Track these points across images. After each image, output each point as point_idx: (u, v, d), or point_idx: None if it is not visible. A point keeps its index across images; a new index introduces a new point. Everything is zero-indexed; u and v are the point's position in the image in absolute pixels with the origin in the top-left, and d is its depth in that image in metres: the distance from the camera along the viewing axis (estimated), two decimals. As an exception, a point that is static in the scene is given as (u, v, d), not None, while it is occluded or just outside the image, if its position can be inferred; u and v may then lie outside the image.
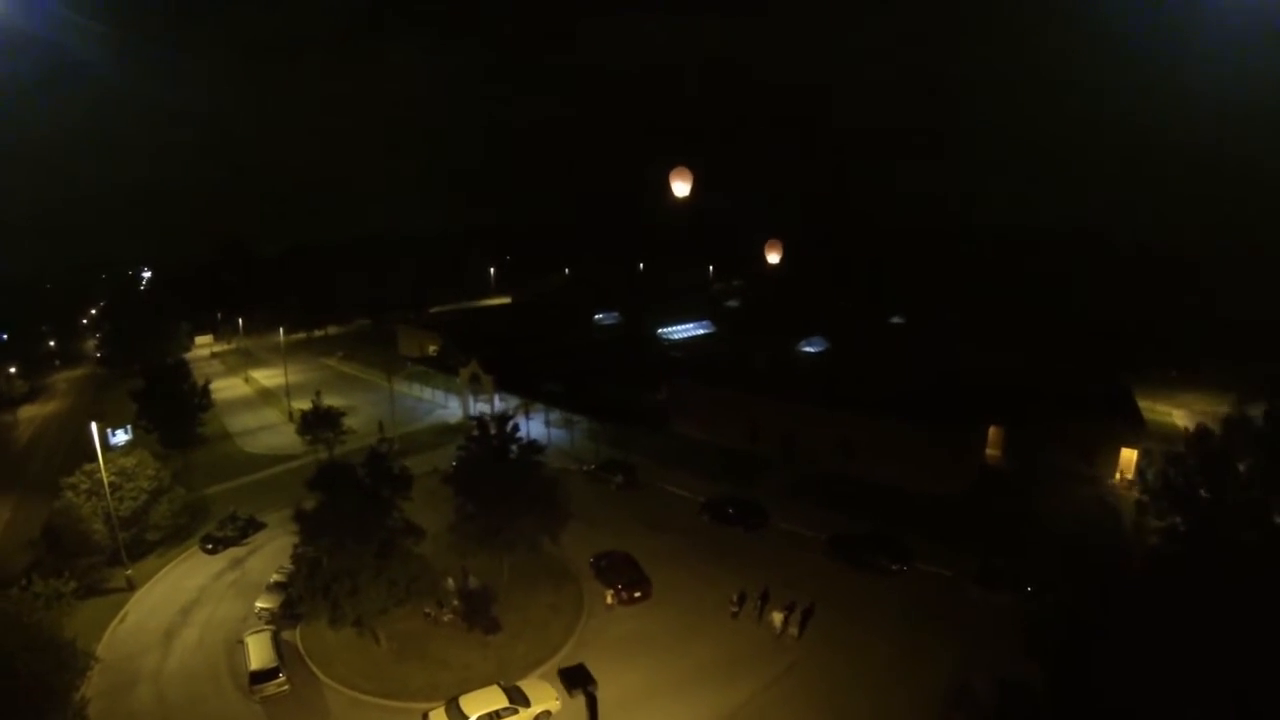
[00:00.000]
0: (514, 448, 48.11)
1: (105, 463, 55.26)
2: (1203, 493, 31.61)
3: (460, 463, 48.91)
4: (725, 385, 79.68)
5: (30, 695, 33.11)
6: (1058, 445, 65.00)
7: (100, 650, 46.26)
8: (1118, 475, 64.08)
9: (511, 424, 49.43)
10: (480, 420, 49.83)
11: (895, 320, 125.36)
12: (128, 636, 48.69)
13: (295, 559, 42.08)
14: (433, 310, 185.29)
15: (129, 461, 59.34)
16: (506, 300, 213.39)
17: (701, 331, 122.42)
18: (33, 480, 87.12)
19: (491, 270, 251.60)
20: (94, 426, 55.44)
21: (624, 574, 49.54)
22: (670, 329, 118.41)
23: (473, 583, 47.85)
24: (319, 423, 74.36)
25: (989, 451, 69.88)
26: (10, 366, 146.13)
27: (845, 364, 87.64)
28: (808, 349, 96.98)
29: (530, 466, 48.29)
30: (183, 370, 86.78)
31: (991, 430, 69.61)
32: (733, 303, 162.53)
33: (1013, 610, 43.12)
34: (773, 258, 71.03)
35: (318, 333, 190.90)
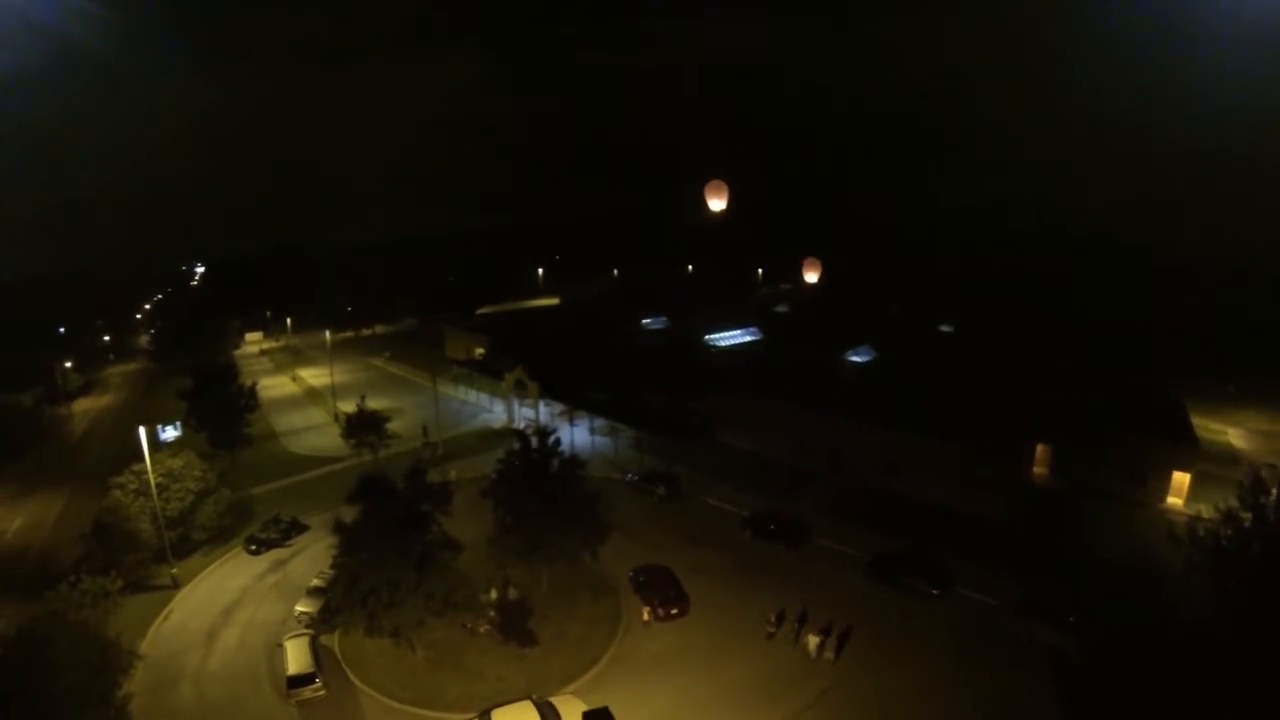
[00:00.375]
0: (555, 462, 48.63)
1: (153, 464, 57.57)
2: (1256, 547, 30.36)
3: (500, 475, 49.47)
4: (770, 396, 79.42)
5: (74, 693, 34.57)
6: (1107, 465, 63.47)
7: (144, 647, 48.42)
8: (1169, 499, 62.07)
9: (553, 437, 49.91)
10: (521, 433, 50.36)
11: (944, 328, 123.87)
12: (171, 634, 50.50)
13: (334, 569, 43.05)
14: (480, 311, 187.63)
15: (176, 463, 61.55)
16: (555, 301, 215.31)
17: (748, 338, 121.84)
18: (85, 474, 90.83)
19: (540, 271, 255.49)
20: (142, 431, 57.61)
21: (662, 590, 49.60)
22: (717, 335, 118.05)
23: (511, 594, 48.31)
24: (363, 427, 75.96)
25: (1036, 470, 68.27)
26: (66, 361, 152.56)
27: (892, 375, 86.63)
28: (855, 358, 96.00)
29: (571, 481, 48.72)
30: (231, 371, 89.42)
31: (1039, 448, 68.12)
32: (782, 308, 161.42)
33: (1055, 647, 42.42)
34: (810, 276, 70.75)
35: (365, 331, 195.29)
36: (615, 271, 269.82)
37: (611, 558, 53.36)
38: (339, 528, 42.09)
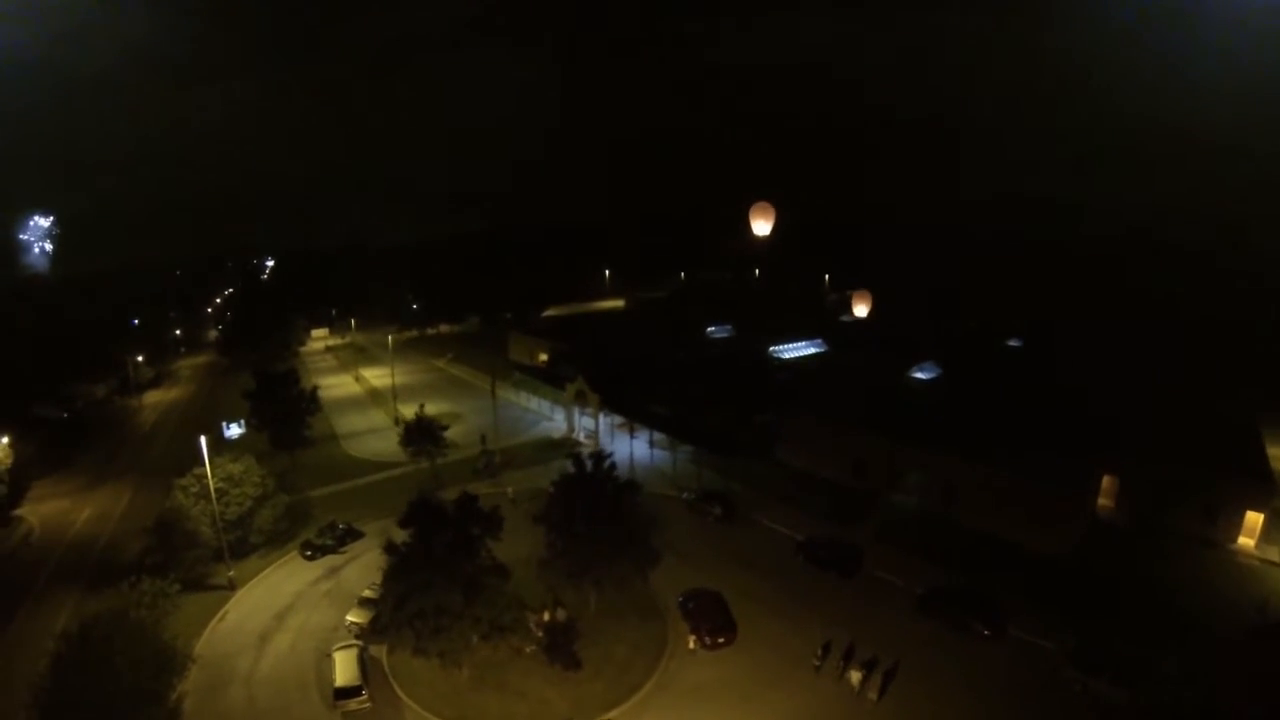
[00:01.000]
0: (609, 486, 49.55)
1: (214, 468, 60.75)
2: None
3: (553, 499, 50.66)
4: (830, 416, 79.05)
5: (131, 693, 36.92)
6: (1175, 500, 60.87)
7: (199, 646, 51.26)
8: (1240, 540, 59.04)
9: (608, 461, 50.87)
10: (577, 455, 51.34)
11: (1012, 343, 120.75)
12: (225, 636, 53.07)
13: (383, 587, 44.57)
14: (546, 313, 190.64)
15: (236, 468, 64.49)
16: (620, 304, 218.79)
17: (812, 350, 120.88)
18: (151, 467, 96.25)
19: (607, 273, 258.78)
20: (203, 441, 60.54)
21: (710, 616, 49.97)
22: (781, 347, 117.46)
23: (559, 615, 49.16)
24: (421, 435, 78.22)
25: (1101, 502, 65.82)
26: (139, 355, 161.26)
27: (956, 394, 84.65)
28: (919, 375, 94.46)
29: (625, 507, 49.59)
30: (293, 375, 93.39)
31: (1105, 478, 65.69)
32: (848, 317, 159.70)
33: (1111, 703, 41.11)
34: (860, 309, 69.65)
35: (430, 331, 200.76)
36: (682, 274, 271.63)
37: (662, 579, 54.17)
38: (389, 548, 43.70)
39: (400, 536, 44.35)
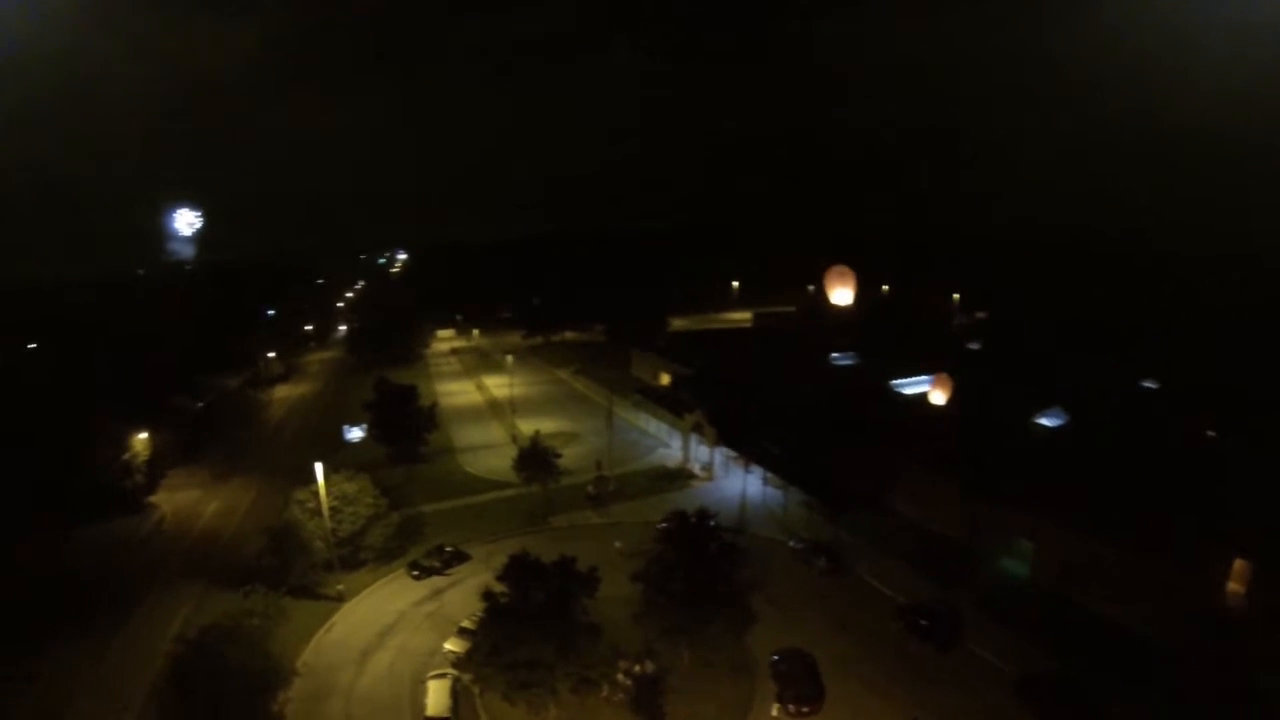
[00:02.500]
0: (712, 546, 52.76)
1: (329, 485, 68.06)
2: None
3: (653, 559, 54.42)
4: (943, 466, 78.51)
5: (238, 697, 43.55)
6: None
7: (306, 654, 58.05)
8: None
9: (712, 522, 54.24)
10: (680, 515, 54.99)
11: (1148, 385, 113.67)
12: (331, 648, 59.59)
13: (479, 633, 49.29)
14: (672, 326, 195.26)
15: (351, 487, 71.75)
16: (747, 317, 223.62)
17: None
18: (276, 466, 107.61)
19: (735, 284, 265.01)
20: (319, 467, 67.42)
21: (799, 682, 51.88)
22: (904, 380, 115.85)
23: (647, 667, 52.54)
24: (535, 461, 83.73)
25: (1231, 587, 61.71)
26: (271, 348, 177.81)
27: (1083, 449, 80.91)
28: (1044, 422, 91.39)
29: (726, 569, 52.53)
30: (413, 391, 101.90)
31: (1237, 562, 61.34)
32: (975, 344, 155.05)
33: None
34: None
35: (554, 338, 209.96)
36: (810, 288, 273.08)
37: (759, 633, 56.37)
38: (488, 597, 48.35)
39: (500, 590, 48.91)
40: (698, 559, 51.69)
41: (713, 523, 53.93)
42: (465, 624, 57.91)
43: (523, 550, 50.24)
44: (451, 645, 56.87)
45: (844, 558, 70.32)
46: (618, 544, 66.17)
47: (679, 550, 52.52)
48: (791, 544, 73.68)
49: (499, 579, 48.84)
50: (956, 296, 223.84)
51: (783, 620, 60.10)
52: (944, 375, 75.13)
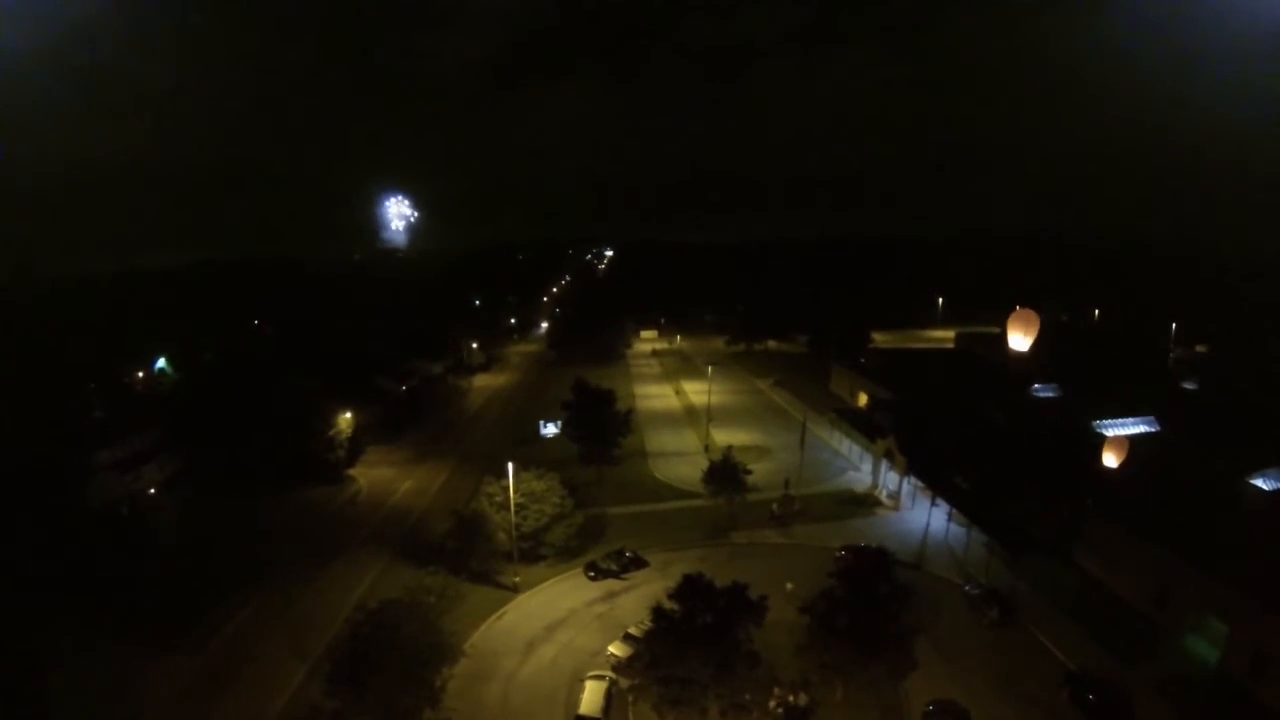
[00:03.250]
0: (884, 588, 52.37)
1: (519, 482, 72.27)
2: None
3: (823, 594, 54.12)
4: (1134, 524, 71.51)
5: (408, 671, 47.10)
6: None
7: (475, 637, 61.71)
8: None
9: (887, 562, 54.20)
10: (857, 549, 55.10)
11: None
12: (499, 634, 62.79)
13: (644, 642, 50.89)
14: (873, 342, 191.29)
15: (539, 485, 75.43)
16: (950, 336, 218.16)
17: (1142, 429, 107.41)
18: (471, 451, 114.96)
19: (940, 300, 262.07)
20: (510, 468, 71.74)
21: None
22: (1109, 422, 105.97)
23: (801, 700, 51.82)
24: (725, 476, 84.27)
25: None
26: (475, 338, 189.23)
27: None
28: (1260, 484, 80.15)
29: (893, 611, 52.39)
30: (610, 395, 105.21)
31: None
32: (1191, 384, 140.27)
33: None
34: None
35: (757, 346, 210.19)
36: (1017, 307, 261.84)
37: (917, 677, 55.21)
38: (657, 613, 49.83)
39: (671, 606, 50.35)
40: (866, 598, 51.35)
41: (889, 559, 53.13)
42: (632, 630, 59.28)
43: (699, 565, 51.97)
44: (615, 649, 58.34)
45: (1018, 610, 66.49)
46: (789, 585, 65.27)
47: (848, 588, 52.32)
48: (966, 588, 70.34)
49: (670, 596, 50.32)
50: (1174, 325, 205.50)
51: (945, 668, 57.64)
52: (1121, 439, 68.01)
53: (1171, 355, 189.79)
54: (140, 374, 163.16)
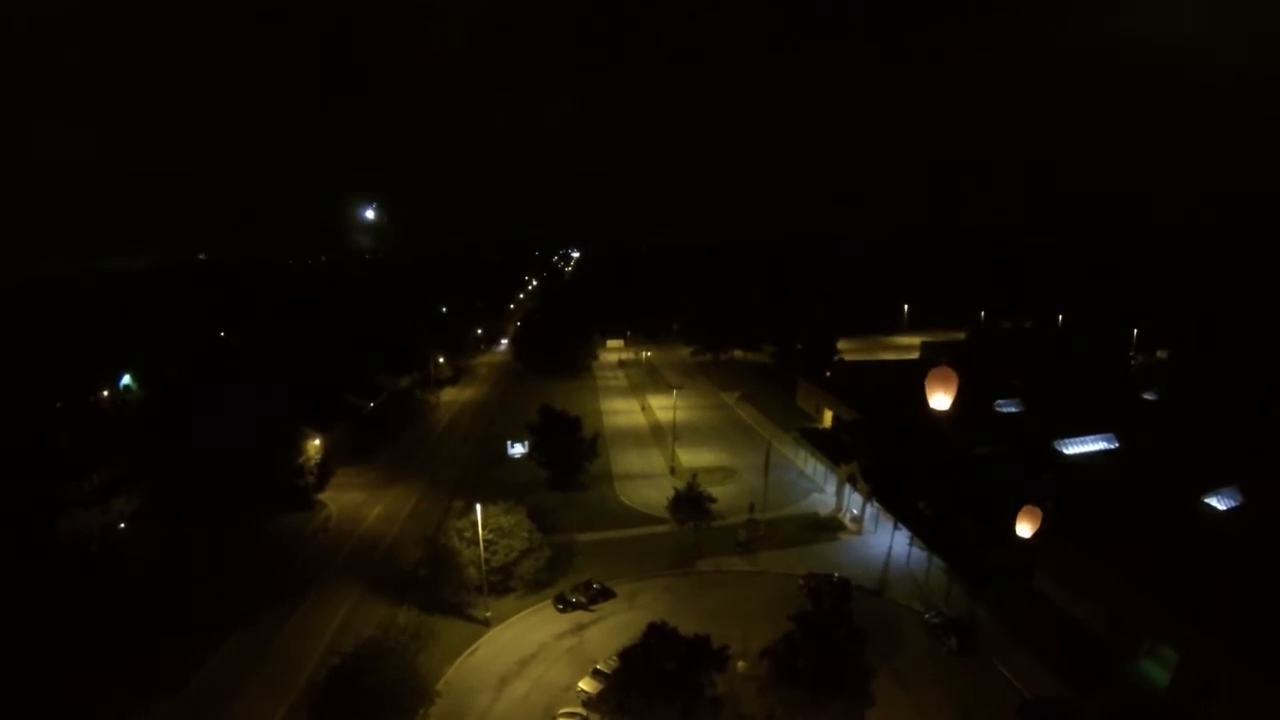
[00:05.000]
0: (842, 632, 55.85)
1: (486, 518, 74.76)
2: None
3: (783, 638, 57.65)
4: (1087, 549, 74.77)
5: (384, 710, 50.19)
6: None
7: (449, 674, 64.08)
8: None
9: (846, 607, 58.08)
10: (814, 590, 58.68)
11: None
12: (472, 670, 65.33)
13: (611, 679, 54.15)
14: (841, 350, 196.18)
15: (507, 521, 78.17)
16: (916, 344, 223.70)
17: (1101, 446, 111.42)
18: (440, 473, 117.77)
19: (905, 307, 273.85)
20: (479, 509, 74.13)
21: None
22: (1068, 440, 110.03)
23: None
24: (689, 505, 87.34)
25: None
26: (442, 348, 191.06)
27: (1257, 538, 74.92)
28: (1215, 503, 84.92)
29: (853, 652, 55.63)
30: (577, 422, 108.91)
31: None
32: (1152, 394, 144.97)
33: None
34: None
35: (723, 356, 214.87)
36: (983, 314, 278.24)
37: (878, 711, 58.21)
38: (624, 658, 53.56)
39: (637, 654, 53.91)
40: (824, 642, 54.62)
41: (849, 596, 56.48)
42: (601, 666, 62.22)
43: (666, 595, 54.88)
44: (585, 685, 61.09)
45: (977, 638, 69.73)
46: (740, 664, 67.41)
47: (806, 632, 55.75)
48: (927, 616, 73.63)
49: (635, 646, 53.93)
50: (1136, 332, 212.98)
51: (905, 700, 60.74)
52: (1032, 508, 71.43)
53: (1133, 362, 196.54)
54: (105, 392, 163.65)
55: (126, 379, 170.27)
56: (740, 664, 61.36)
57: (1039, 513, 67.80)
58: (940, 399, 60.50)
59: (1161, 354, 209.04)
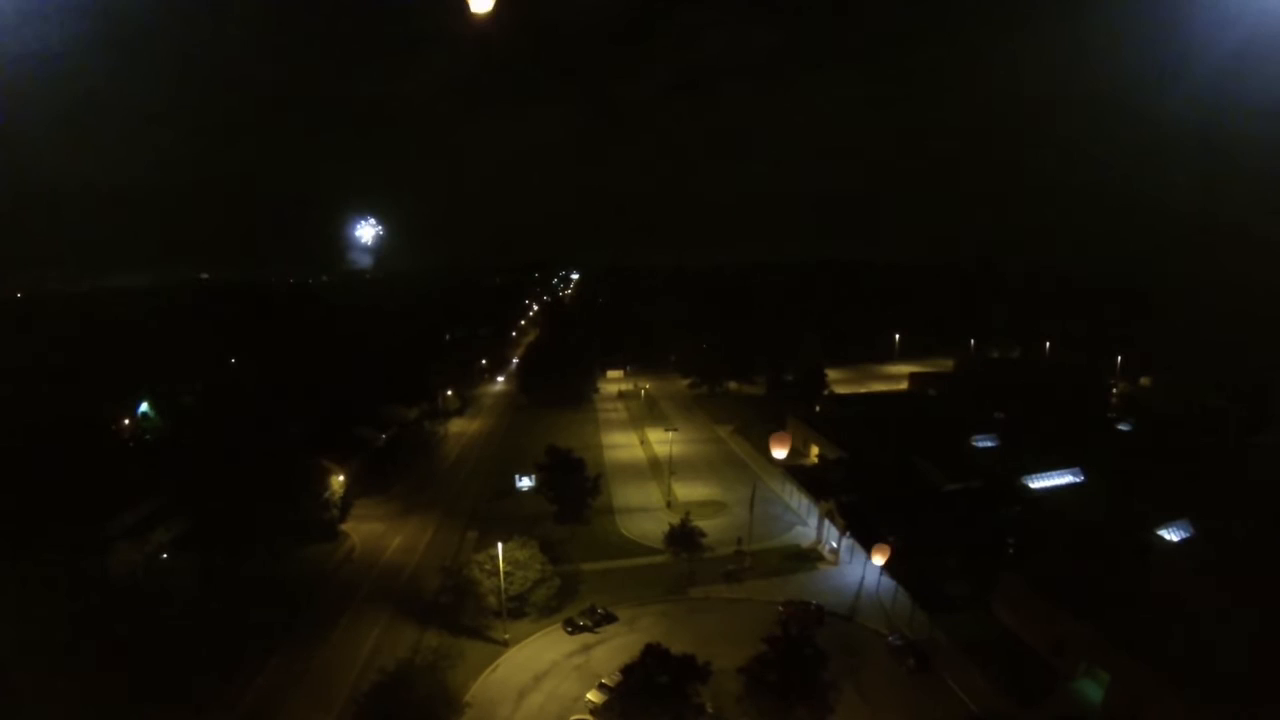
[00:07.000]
0: (808, 651, 66.75)
1: (504, 553, 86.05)
2: None
3: (757, 658, 68.32)
4: (1036, 582, 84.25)
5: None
6: None
7: (475, 688, 75.22)
8: None
9: (809, 633, 69.81)
10: (784, 622, 70.42)
11: None
12: (494, 685, 76.48)
13: (614, 696, 65.63)
14: (831, 381, 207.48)
15: (523, 554, 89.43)
16: (906, 375, 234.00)
17: (1068, 480, 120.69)
18: (453, 505, 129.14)
19: (896, 337, 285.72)
20: (500, 547, 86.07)
21: None
22: (1038, 475, 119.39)
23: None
24: (683, 538, 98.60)
25: None
26: (449, 380, 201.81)
27: (1202, 568, 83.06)
28: (1169, 535, 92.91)
29: (814, 670, 66.30)
30: (582, 464, 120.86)
31: None
32: (1125, 425, 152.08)
33: None
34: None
35: (719, 388, 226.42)
36: (972, 341, 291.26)
37: (840, 717, 69.05)
38: (626, 673, 64.84)
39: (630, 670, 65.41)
40: (792, 659, 65.79)
41: (821, 620, 68.30)
42: (605, 680, 73.52)
43: (662, 619, 67.48)
44: (592, 696, 72.57)
45: (933, 659, 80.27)
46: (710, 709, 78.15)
47: (777, 652, 66.90)
48: (890, 639, 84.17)
49: (634, 663, 65.14)
50: (1120, 360, 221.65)
51: (864, 710, 71.77)
52: (883, 545, 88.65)
53: (1114, 391, 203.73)
54: (126, 420, 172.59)
55: (144, 406, 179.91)
56: (709, 708, 69.41)
57: (888, 549, 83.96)
58: (779, 451, 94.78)
59: (1145, 380, 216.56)
